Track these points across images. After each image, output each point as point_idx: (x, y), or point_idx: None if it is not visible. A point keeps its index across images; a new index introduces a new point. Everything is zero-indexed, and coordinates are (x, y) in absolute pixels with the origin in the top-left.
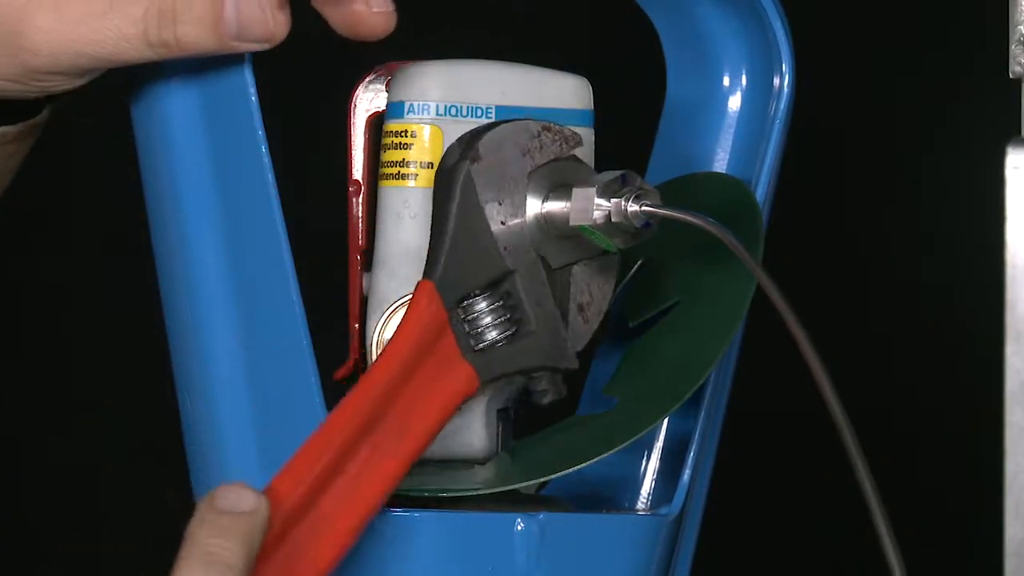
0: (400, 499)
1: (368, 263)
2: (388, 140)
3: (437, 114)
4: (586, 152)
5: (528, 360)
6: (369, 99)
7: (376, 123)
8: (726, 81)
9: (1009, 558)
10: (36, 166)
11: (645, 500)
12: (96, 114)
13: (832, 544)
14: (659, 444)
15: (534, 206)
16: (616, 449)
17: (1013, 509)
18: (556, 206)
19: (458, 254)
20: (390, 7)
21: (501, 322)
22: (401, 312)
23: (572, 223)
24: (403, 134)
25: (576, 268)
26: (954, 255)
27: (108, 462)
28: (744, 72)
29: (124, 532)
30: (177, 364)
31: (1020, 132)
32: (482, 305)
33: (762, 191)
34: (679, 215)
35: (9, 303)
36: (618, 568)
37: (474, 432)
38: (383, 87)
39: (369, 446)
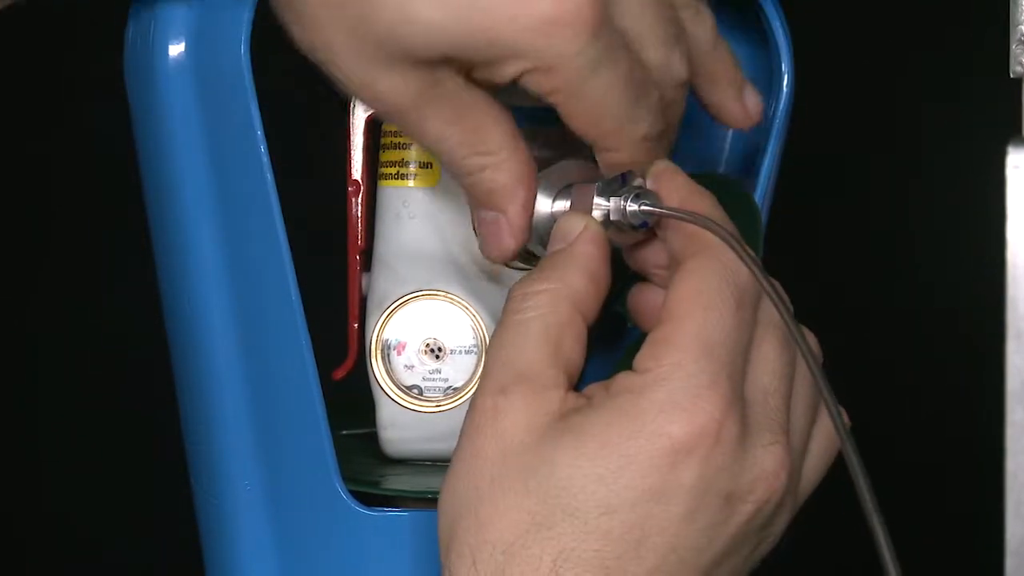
0: (400, 499)
1: (367, 263)
2: (387, 140)
3: None
4: (588, 152)
5: None
6: None
7: (375, 123)
8: None
9: (1009, 557)
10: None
11: None
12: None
13: (833, 543)
14: None
15: (545, 205)
16: None
17: (1013, 508)
18: (563, 205)
19: None
20: (755, 111)
21: None
22: (400, 312)
23: None
24: (402, 134)
25: None
26: (954, 254)
27: (106, 461)
28: (743, 72)
29: (123, 530)
30: (177, 362)
31: (1021, 132)
32: None
33: (761, 191)
34: (677, 215)
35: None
36: None
37: None
38: None
39: None
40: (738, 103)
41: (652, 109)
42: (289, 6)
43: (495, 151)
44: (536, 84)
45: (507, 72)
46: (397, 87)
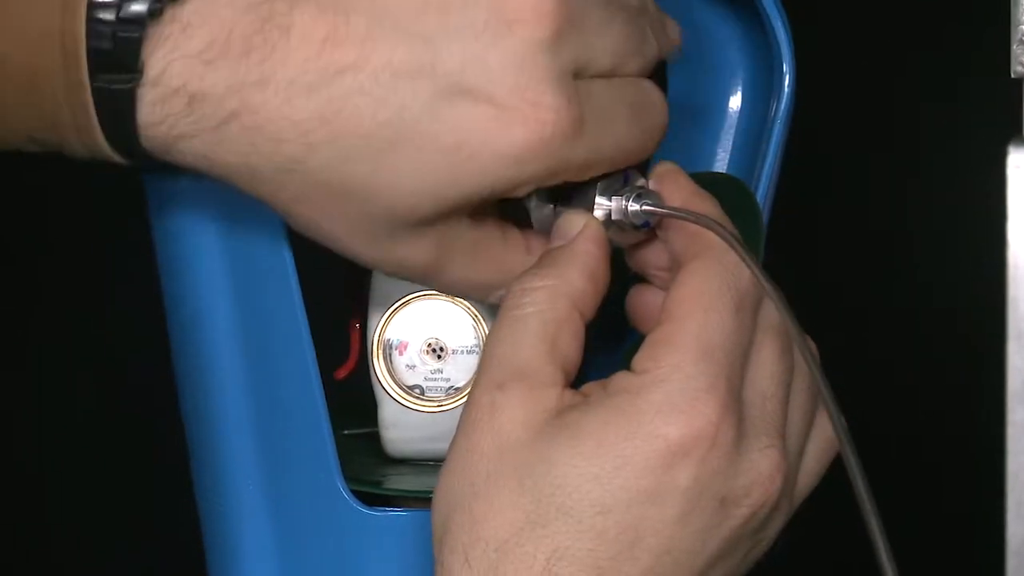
0: (402, 499)
1: None
2: None
3: None
4: None
5: None
6: None
7: None
8: (727, 81)
9: (1010, 557)
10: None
11: None
12: None
13: (831, 545)
14: None
15: (547, 204)
16: None
17: (1014, 508)
18: (565, 204)
19: None
20: (677, 36)
21: None
22: (402, 312)
23: None
24: None
25: None
26: (954, 254)
27: (108, 463)
28: (744, 72)
29: (125, 532)
30: (179, 364)
31: (1021, 132)
32: None
33: (762, 191)
34: (679, 214)
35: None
36: None
37: None
38: None
39: None
40: (667, 40)
41: (653, 112)
42: (281, 212)
43: (517, 270)
44: (553, 183)
45: (519, 194)
46: (413, 253)
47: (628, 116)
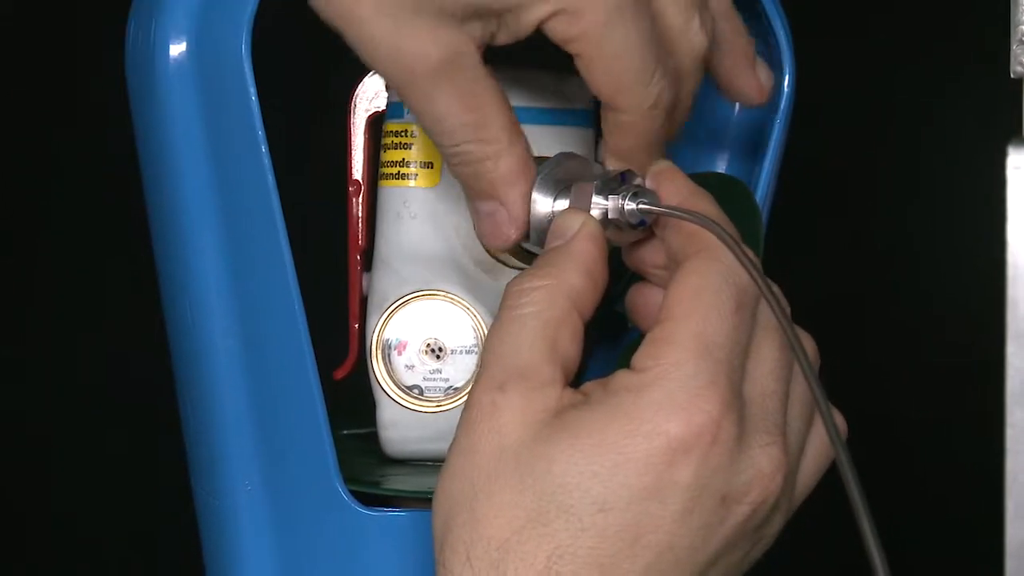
0: (400, 499)
1: (368, 263)
2: (388, 140)
3: None
4: (586, 151)
5: None
6: (369, 99)
7: (376, 123)
8: None
9: (1010, 559)
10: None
11: None
12: (96, 114)
13: (830, 545)
14: None
15: (545, 204)
16: None
17: (1013, 510)
18: (563, 204)
19: None
20: (767, 85)
21: None
22: (401, 312)
23: None
24: (403, 134)
25: None
26: (954, 255)
27: (107, 461)
28: None
29: (124, 531)
30: (177, 363)
31: (1021, 132)
32: None
33: (762, 191)
34: (676, 214)
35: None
36: None
37: None
38: (383, 87)
39: None
40: (751, 75)
41: (666, 74)
42: None
43: (497, 140)
44: (561, 29)
45: (534, 16)
46: (422, 47)
47: (650, 42)
